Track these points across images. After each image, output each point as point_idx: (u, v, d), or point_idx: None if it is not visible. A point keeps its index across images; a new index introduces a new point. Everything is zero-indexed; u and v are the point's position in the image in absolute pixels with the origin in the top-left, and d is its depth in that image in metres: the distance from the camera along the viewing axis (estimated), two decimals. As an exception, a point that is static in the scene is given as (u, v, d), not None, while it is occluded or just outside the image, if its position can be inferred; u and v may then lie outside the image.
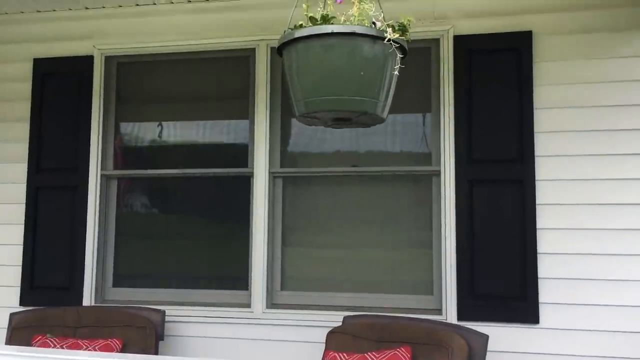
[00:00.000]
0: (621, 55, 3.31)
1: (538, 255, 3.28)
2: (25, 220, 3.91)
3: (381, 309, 3.51)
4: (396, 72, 1.72)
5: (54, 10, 4.02)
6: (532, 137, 3.34)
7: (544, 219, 3.30)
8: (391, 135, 3.66)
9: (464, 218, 3.39)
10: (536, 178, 3.32)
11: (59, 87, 4.00)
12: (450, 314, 3.37)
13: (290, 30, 1.74)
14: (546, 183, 3.32)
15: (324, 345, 3.19)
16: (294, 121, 3.80)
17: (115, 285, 3.92)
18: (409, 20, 1.70)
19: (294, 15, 1.87)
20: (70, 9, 4.00)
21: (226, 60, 3.93)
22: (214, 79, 3.96)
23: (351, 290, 3.62)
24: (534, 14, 3.42)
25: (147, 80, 4.06)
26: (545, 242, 3.29)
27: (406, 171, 3.60)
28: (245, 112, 3.84)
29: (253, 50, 3.80)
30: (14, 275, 3.89)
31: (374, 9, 1.68)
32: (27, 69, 4.02)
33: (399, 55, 1.71)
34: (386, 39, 1.65)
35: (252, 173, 3.73)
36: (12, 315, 3.57)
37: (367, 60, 1.66)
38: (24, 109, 3.99)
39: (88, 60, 3.98)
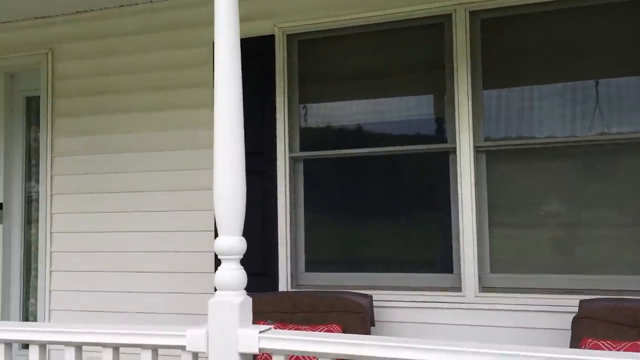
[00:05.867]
0: None
1: None
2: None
3: (606, 291, 3.19)
4: None
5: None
6: None
7: None
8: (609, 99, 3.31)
9: None
10: None
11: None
12: (699, 296, 3.00)
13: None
14: None
15: (555, 331, 3.05)
16: (496, 91, 3.52)
17: (307, 270, 3.81)
18: None
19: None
20: (250, -13, 3.89)
21: (414, 30, 3.69)
22: (400, 51, 3.74)
23: (568, 272, 3.33)
24: None
25: (329, 58, 3.90)
26: None
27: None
28: (438, 85, 3.60)
29: (449, 16, 3.54)
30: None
31: None
32: (209, 53, 3.93)
33: None
34: None
35: (454, 149, 3.48)
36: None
37: None
38: (208, 94, 3.90)
39: (269, 40, 3.86)
